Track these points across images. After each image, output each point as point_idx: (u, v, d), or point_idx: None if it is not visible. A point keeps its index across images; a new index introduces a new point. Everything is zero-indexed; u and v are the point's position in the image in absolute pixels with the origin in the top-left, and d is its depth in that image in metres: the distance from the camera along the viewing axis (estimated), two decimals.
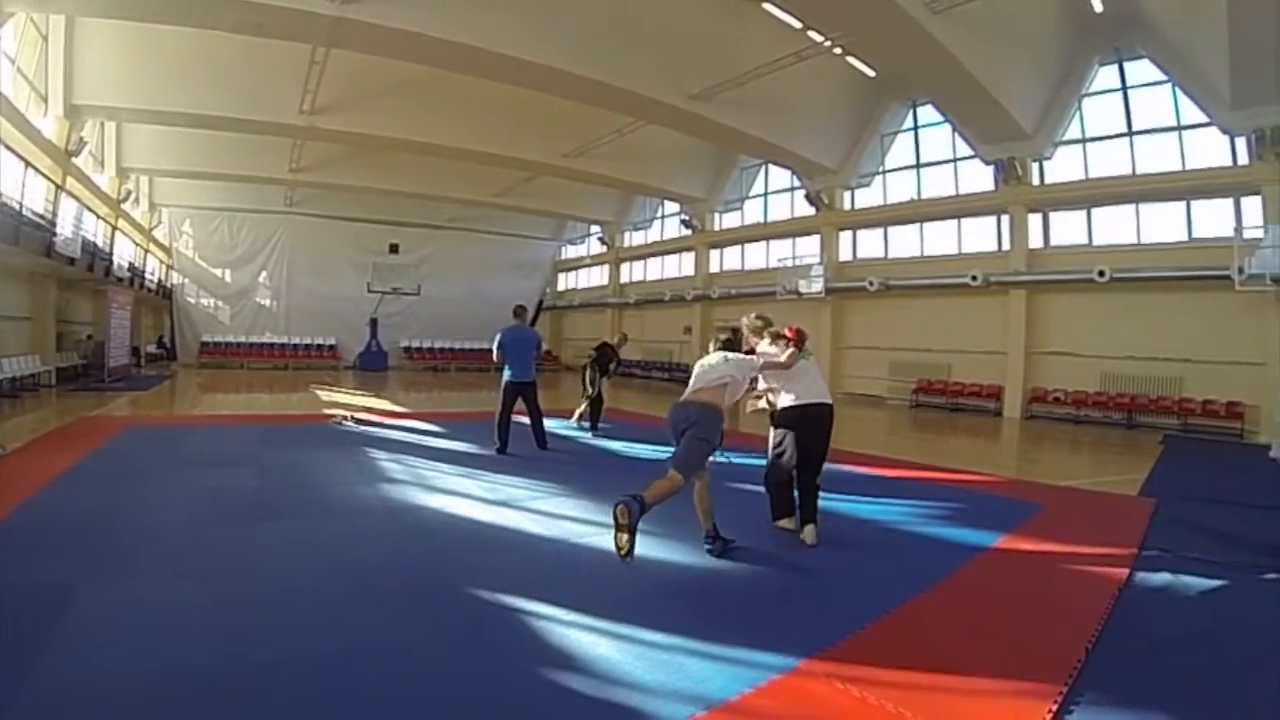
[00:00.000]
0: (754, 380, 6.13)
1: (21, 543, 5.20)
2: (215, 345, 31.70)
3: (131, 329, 22.76)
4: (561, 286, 41.84)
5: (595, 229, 37.29)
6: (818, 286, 23.57)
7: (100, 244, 20.67)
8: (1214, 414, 15.71)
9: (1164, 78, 16.89)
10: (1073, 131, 18.85)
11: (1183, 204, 16.82)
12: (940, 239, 22.03)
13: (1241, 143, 15.49)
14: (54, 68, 17.02)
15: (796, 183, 25.85)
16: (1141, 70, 17.44)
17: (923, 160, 22.58)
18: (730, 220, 30.12)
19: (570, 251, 41.60)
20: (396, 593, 4.51)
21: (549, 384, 23.20)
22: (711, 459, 5.52)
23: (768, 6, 16.35)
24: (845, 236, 24.74)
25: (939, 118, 21.14)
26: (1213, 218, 16.36)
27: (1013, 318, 19.29)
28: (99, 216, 20.95)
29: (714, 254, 30.77)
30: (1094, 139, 18.52)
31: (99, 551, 5.06)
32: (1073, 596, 4.83)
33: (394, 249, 35.11)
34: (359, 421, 13.08)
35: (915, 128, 22.80)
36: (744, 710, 3.13)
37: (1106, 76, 18.24)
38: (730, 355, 5.79)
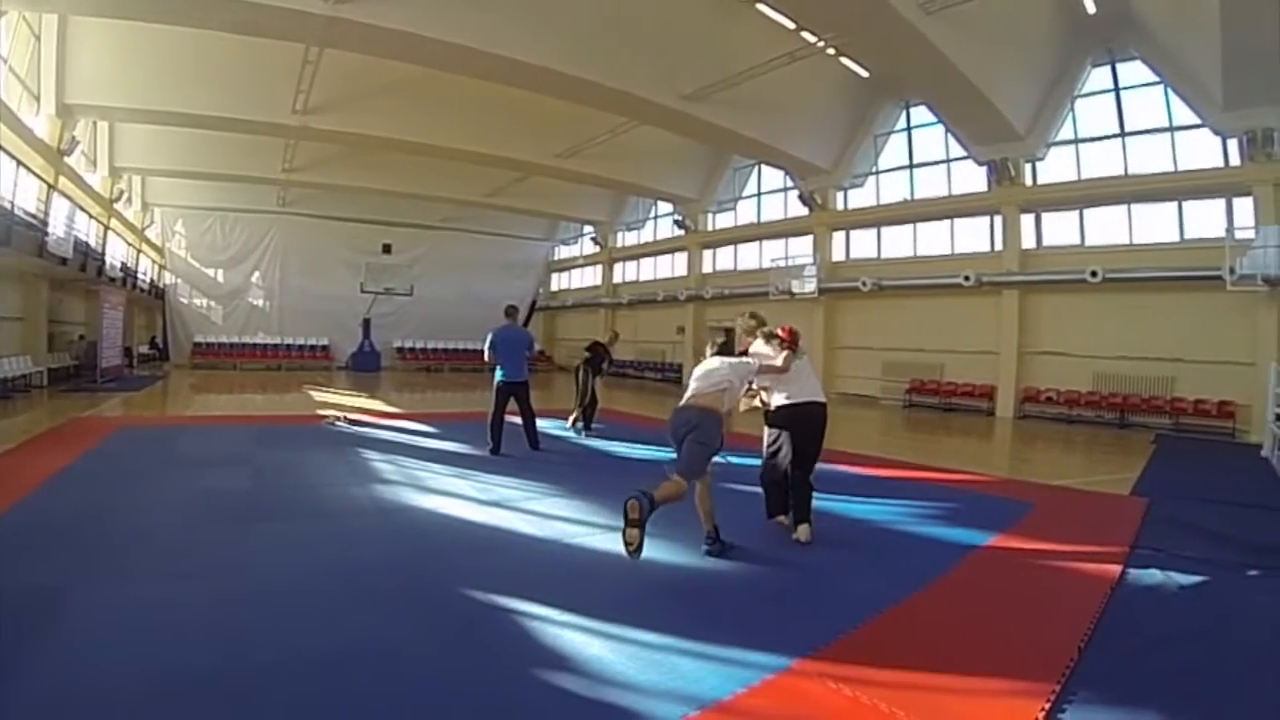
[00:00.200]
0: (750, 381, 6.14)
1: (14, 544, 5.19)
2: (208, 346, 31.57)
3: (124, 329, 22.67)
4: (555, 287, 41.77)
5: (588, 229, 37.28)
6: (811, 287, 23.60)
7: (92, 244, 20.59)
8: (1206, 414, 15.75)
9: (1156, 79, 16.95)
10: (1065, 132, 18.90)
11: (1175, 205, 16.86)
12: (933, 239, 22.05)
13: (1233, 144, 15.54)
14: (46, 67, 16.92)
15: (789, 183, 25.90)
16: (1134, 71, 17.49)
17: (916, 161, 22.60)
18: (723, 220, 30.11)
19: (563, 252, 41.55)
20: (390, 593, 4.51)
21: (542, 384, 23.23)
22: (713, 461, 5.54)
23: (761, 7, 16.34)
24: (838, 237, 24.75)
25: (932, 118, 21.14)
26: (1204, 218, 16.41)
27: (1005, 318, 19.32)
28: (91, 216, 20.86)
29: (707, 254, 30.75)
30: (1086, 140, 18.56)
31: (92, 552, 5.05)
32: (1065, 595, 4.84)
33: (387, 249, 35.02)
34: (352, 422, 13.07)
35: (908, 128, 22.83)
36: (737, 710, 3.14)
37: (1099, 78, 18.29)
38: (729, 359, 5.80)
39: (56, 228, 16.52)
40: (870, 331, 22.95)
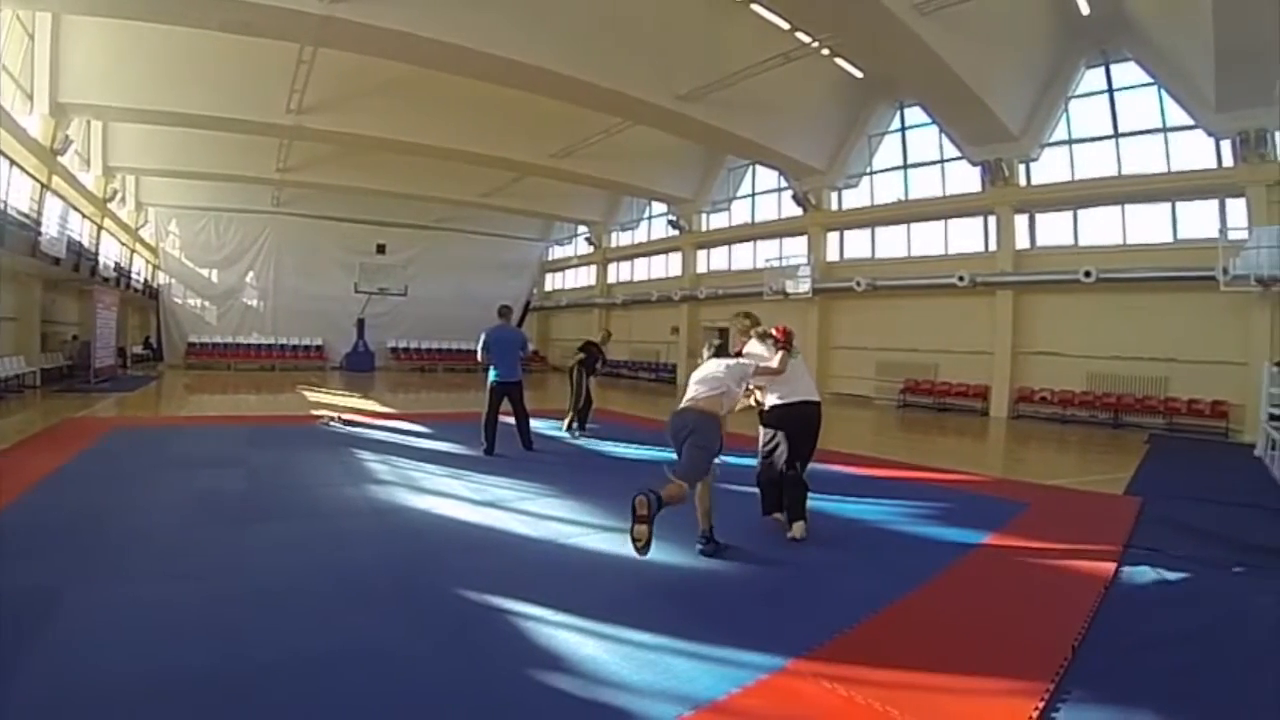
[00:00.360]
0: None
1: (10, 545, 5.15)
2: (202, 346, 31.47)
3: (117, 330, 22.64)
4: (549, 287, 41.74)
5: (582, 229, 37.20)
6: (805, 287, 23.62)
7: (86, 244, 20.48)
8: (1199, 413, 15.82)
9: (1150, 80, 17.01)
10: (1059, 133, 18.96)
11: (1168, 205, 16.93)
12: (927, 240, 22.09)
13: (1226, 145, 15.61)
14: (40, 65, 16.85)
15: (784, 183, 25.90)
16: (1127, 73, 17.55)
17: (910, 161, 22.65)
18: (718, 221, 30.12)
19: (557, 252, 41.53)
20: (384, 593, 4.51)
21: (536, 384, 23.22)
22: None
23: (756, 7, 16.37)
24: (832, 237, 24.78)
25: (926, 119, 21.19)
26: (1198, 219, 16.49)
27: (999, 318, 19.38)
28: (85, 216, 20.75)
29: (701, 254, 30.78)
30: (1080, 140, 18.62)
31: (88, 553, 5.03)
32: (1059, 595, 4.85)
33: (381, 249, 34.95)
34: (346, 422, 13.04)
35: (903, 129, 22.86)
36: (731, 710, 3.13)
37: (1093, 79, 18.35)
38: (727, 361, 5.81)
39: (50, 227, 16.44)
40: (864, 332, 22.99)
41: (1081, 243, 18.54)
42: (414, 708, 3.08)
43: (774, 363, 5.88)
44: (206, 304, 32.57)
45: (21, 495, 6.59)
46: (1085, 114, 18.61)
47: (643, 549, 4.78)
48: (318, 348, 33.51)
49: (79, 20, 16.51)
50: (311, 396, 18.98)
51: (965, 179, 20.68)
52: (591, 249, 37.09)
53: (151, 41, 16.81)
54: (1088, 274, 17.18)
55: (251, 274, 33.23)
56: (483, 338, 10.12)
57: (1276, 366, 12.23)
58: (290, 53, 16.65)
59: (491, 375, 10.15)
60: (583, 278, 38.74)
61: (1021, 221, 19.61)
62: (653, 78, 17.57)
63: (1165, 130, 16.91)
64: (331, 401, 17.42)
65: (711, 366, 5.76)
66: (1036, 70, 18.27)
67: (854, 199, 24.23)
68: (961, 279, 19.70)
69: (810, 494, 6.17)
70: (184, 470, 8.30)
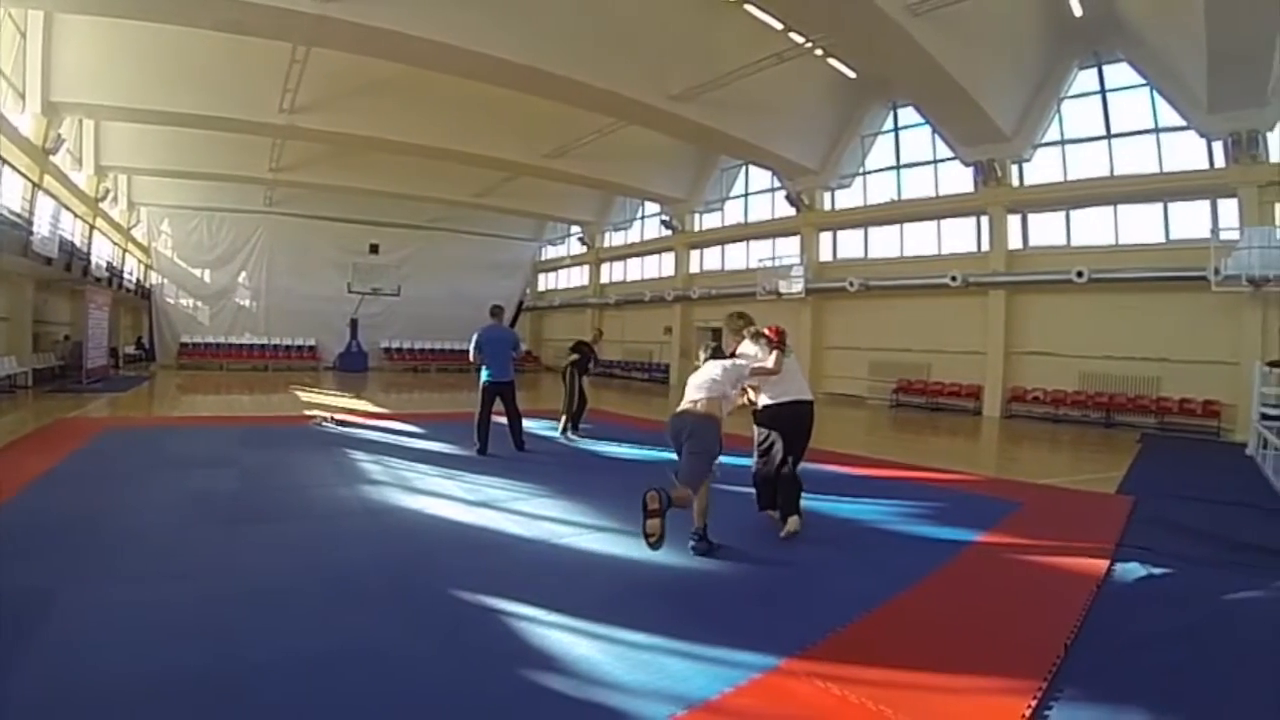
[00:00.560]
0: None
1: (4, 545, 5.13)
2: (194, 346, 31.39)
3: (109, 330, 22.53)
4: (542, 287, 41.76)
5: (575, 229, 37.21)
6: (798, 287, 23.66)
7: (78, 243, 20.45)
8: (1191, 413, 15.88)
9: (1142, 81, 17.08)
10: (1052, 134, 19.02)
11: (1160, 206, 17.00)
12: (920, 240, 22.14)
13: (1218, 146, 15.69)
14: (32, 64, 16.78)
15: (777, 183, 25.92)
16: (1120, 74, 17.62)
17: (903, 161, 22.69)
18: (711, 221, 30.14)
19: (550, 252, 41.49)
20: (378, 594, 4.50)
21: (528, 385, 23.22)
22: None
23: (749, 8, 16.36)
24: (825, 237, 24.80)
25: (919, 119, 21.25)
26: (1189, 219, 16.57)
27: (992, 318, 19.42)
28: (77, 215, 20.72)
29: (694, 254, 30.78)
30: (1073, 141, 18.69)
31: (82, 553, 5.01)
32: (1051, 593, 4.87)
33: (374, 249, 34.93)
34: (339, 422, 13.01)
35: (895, 129, 22.91)
36: (724, 709, 3.14)
37: (1085, 79, 18.43)
38: (724, 363, 5.82)
39: (41, 227, 16.40)
40: (857, 332, 23.02)
41: (1074, 243, 18.60)
42: (408, 708, 3.07)
43: (770, 363, 5.88)
44: (199, 304, 32.49)
45: (15, 495, 6.56)
46: (1078, 115, 18.68)
47: (656, 543, 4.80)
48: (311, 348, 33.43)
49: (71, 19, 16.46)
50: (305, 397, 18.94)
51: (958, 179, 20.72)
52: (585, 249, 37.09)
53: (144, 41, 16.74)
54: (1080, 274, 17.23)
55: (244, 274, 33.13)
56: (475, 338, 10.10)
57: (1268, 366, 12.27)
58: (283, 52, 16.63)
59: (484, 375, 10.13)
60: (576, 278, 38.75)
61: (1014, 222, 19.67)
62: (646, 78, 17.57)
63: (1157, 131, 16.99)
64: (325, 402, 17.39)
65: (708, 370, 5.77)
66: (1029, 71, 18.32)
67: (847, 199, 24.26)
68: (954, 279, 19.75)
69: (804, 494, 6.20)
70: (177, 471, 8.26)
